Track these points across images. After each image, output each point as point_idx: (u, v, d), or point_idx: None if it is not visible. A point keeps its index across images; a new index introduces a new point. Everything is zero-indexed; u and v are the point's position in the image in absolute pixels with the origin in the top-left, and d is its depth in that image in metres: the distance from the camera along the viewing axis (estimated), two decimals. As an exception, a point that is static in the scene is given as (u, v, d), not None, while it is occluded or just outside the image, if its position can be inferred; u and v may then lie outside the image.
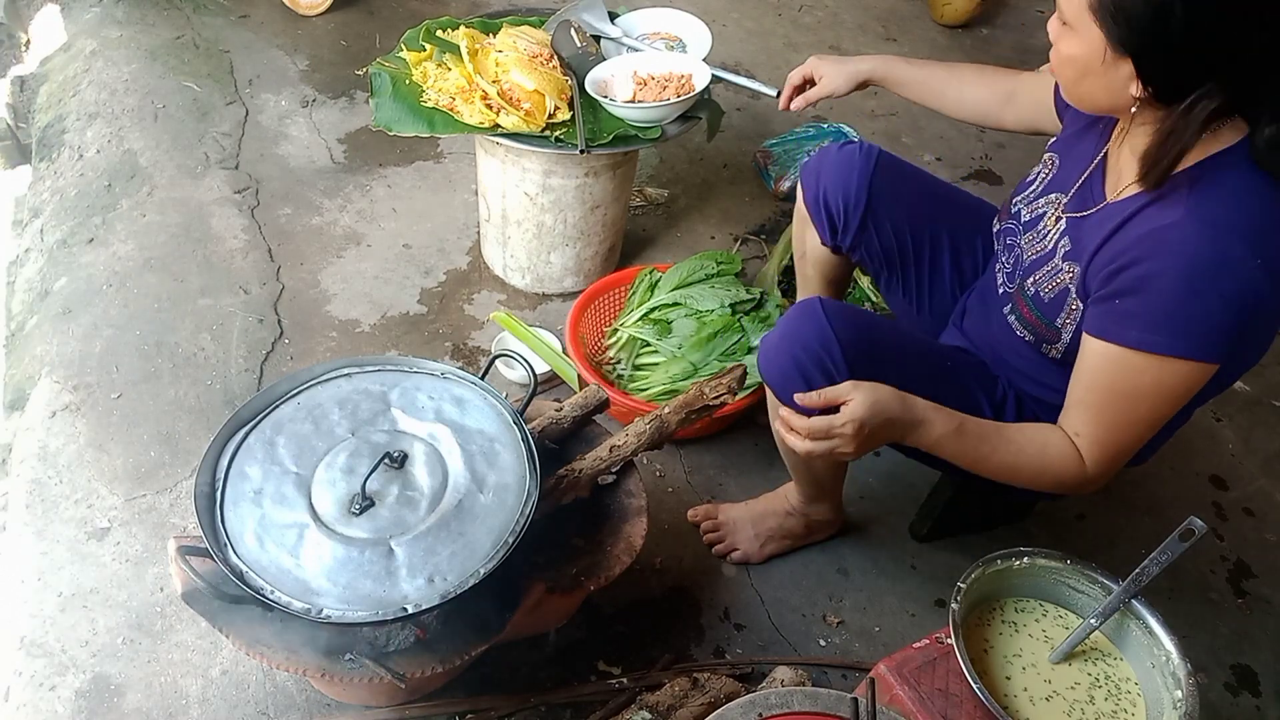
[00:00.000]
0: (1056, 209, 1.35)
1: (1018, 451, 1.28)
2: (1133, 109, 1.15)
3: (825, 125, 2.79)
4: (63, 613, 1.56)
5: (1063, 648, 1.25)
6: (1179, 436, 2.14)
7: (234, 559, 1.19)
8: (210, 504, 1.24)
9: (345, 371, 1.42)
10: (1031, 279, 1.36)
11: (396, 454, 1.29)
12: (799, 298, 1.83)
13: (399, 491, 1.27)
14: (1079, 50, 1.14)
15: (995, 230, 1.51)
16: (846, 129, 2.75)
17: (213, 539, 1.20)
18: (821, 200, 1.62)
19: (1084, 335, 1.24)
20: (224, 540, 1.21)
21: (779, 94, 1.78)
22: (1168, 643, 1.21)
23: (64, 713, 1.45)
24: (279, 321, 2.13)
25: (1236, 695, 1.69)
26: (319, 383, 1.39)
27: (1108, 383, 1.21)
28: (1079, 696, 1.23)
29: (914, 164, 1.68)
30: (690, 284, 2.02)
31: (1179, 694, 1.18)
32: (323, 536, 1.21)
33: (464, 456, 1.32)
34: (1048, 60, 1.24)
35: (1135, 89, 1.12)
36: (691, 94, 1.92)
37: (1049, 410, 1.38)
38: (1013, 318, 1.42)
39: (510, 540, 1.24)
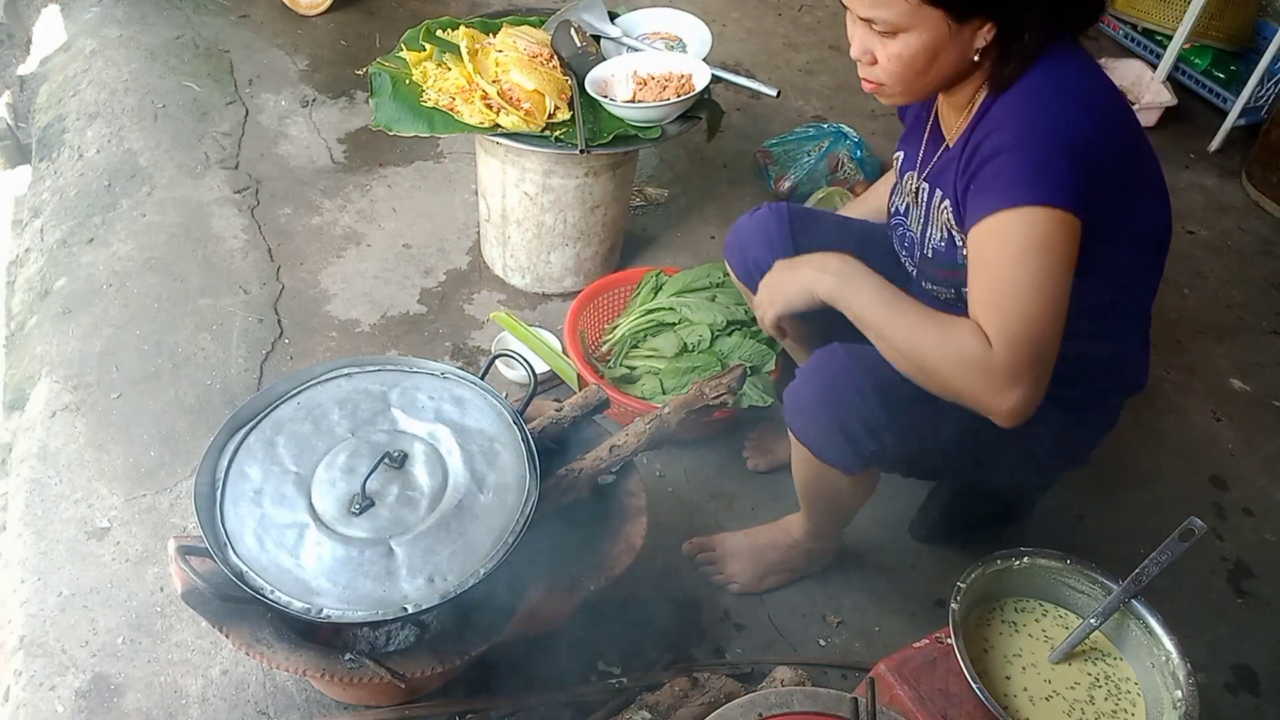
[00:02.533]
0: (917, 179, 1.44)
1: (926, 316, 1.25)
2: (975, 58, 1.23)
3: (825, 125, 2.79)
4: (63, 613, 1.56)
5: (1063, 648, 1.25)
6: (1179, 436, 2.16)
7: (234, 559, 1.19)
8: (210, 504, 1.24)
9: (345, 371, 1.41)
10: (924, 243, 1.42)
11: (396, 454, 1.29)
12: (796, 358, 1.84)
13: (399, 491, 1.27)
14: (922, 41, 1.20)
15: (891, 239, 1.56)
16: (846, 129, 2.75)
17: (212, 539, 1.20)
18: (755, 270, 1.59)
19: (966, 236, 1.26)
20: (224, 540, 1.20)
21: (779, 94, 1.77)
22: (1168, 643, 1.21)
23: (64, 713, 1.45)
24: (279, 321, 2.13)
25: (1236, 695, 1.69)
26: (319, 383, 1.39)
27: (989, 257, 1.21)
28: (1079, 696, 1.23)
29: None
30: (693, 291, 2.02)
31: (1179, 694, 1.18)
32: (323, 536, 1.21)
33: (464, 456, 1.31)
34: None
35: (983, 36, 1.20)
36: (691, 94, 1.92)
37: None
38: (930, 285, 1.43)
39: (510, 540, 1.24)
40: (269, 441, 1.31)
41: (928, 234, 1.41)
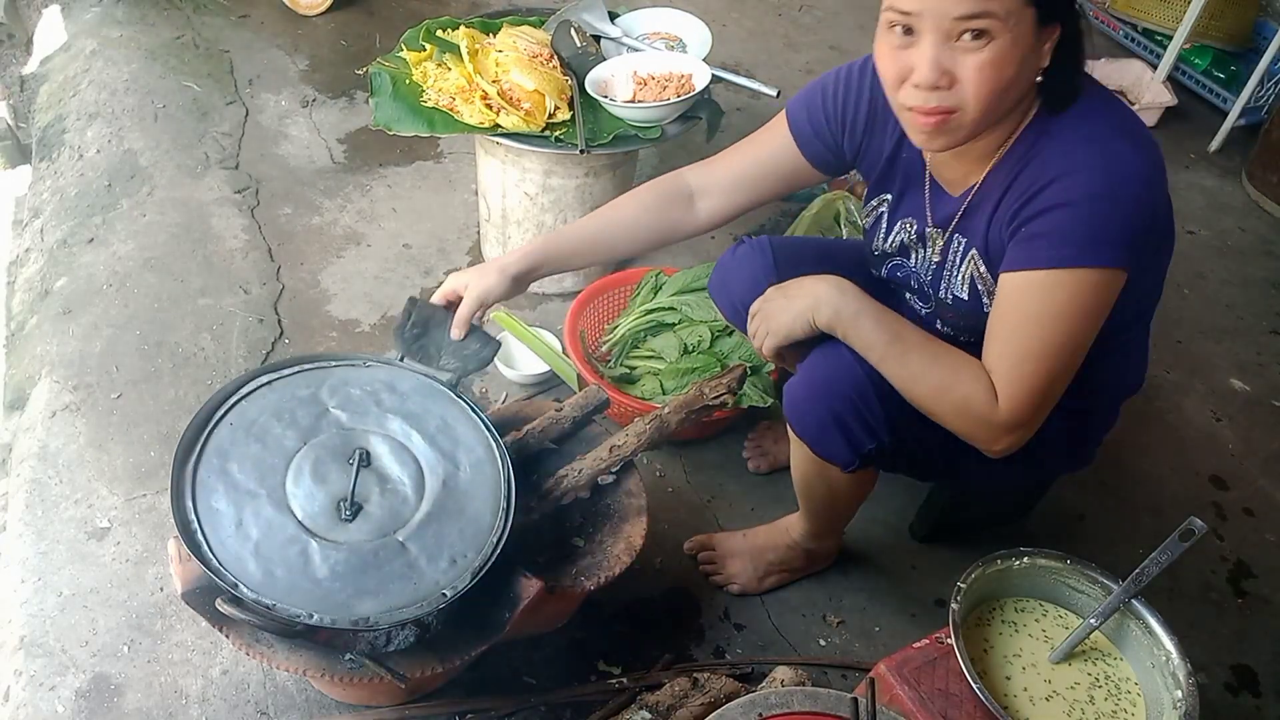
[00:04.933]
0: (921, 225, 1.38)
1: (931, 357, 1.24)
2: (1038, 79, 1.16)
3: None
4: (63, 613, 1.56)
5: (1063, 648, 1.25)
6: (1179, 436, 2.16)
7: (254, 595, 1.15)
8: (201, 550, 1.18)
9: (264, 381, 1.35)
10: (941, 289, 1.38)
11: (360, 453, 1.28)
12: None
13: (379, 487, 1.26)
14: (1014, 47, 1.09)
15: (878, 276, 1.52)
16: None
17: (226, 583, 1.15)
18: (742, 308, 1.53)
19: (1000, 279, 1.22)
20: (233, 581, 1.15)
21: (779, 94, 1.76)
22: (1168, 643, 1.21)
23: (64, 713, 1.45)
24: (279, 321, 2.13)
25: (1236, 695, 1.69)
26: (243, 399, 1.32)
27: (1023, 311, 1.18)
28: (1079, 696, 1.23)
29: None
30: (692, 290, 2.02)
31: (1179, 694, 1.18)
32: (328, 549, 1.19)
33: (424, 438, 1.32)
34: None
35: (1047, 54, 1.14)
36: (691, 94, 1.92)
37: None
38: (947, 329, 1.41)
39: (506, 505, 1.26)
40: (221, 471, 1.24)
41: (945, 281, 1.37)
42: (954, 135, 1.17)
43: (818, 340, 1.36)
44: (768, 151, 1.49)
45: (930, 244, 1.38)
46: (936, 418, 1.26)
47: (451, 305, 1.44)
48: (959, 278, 1.34)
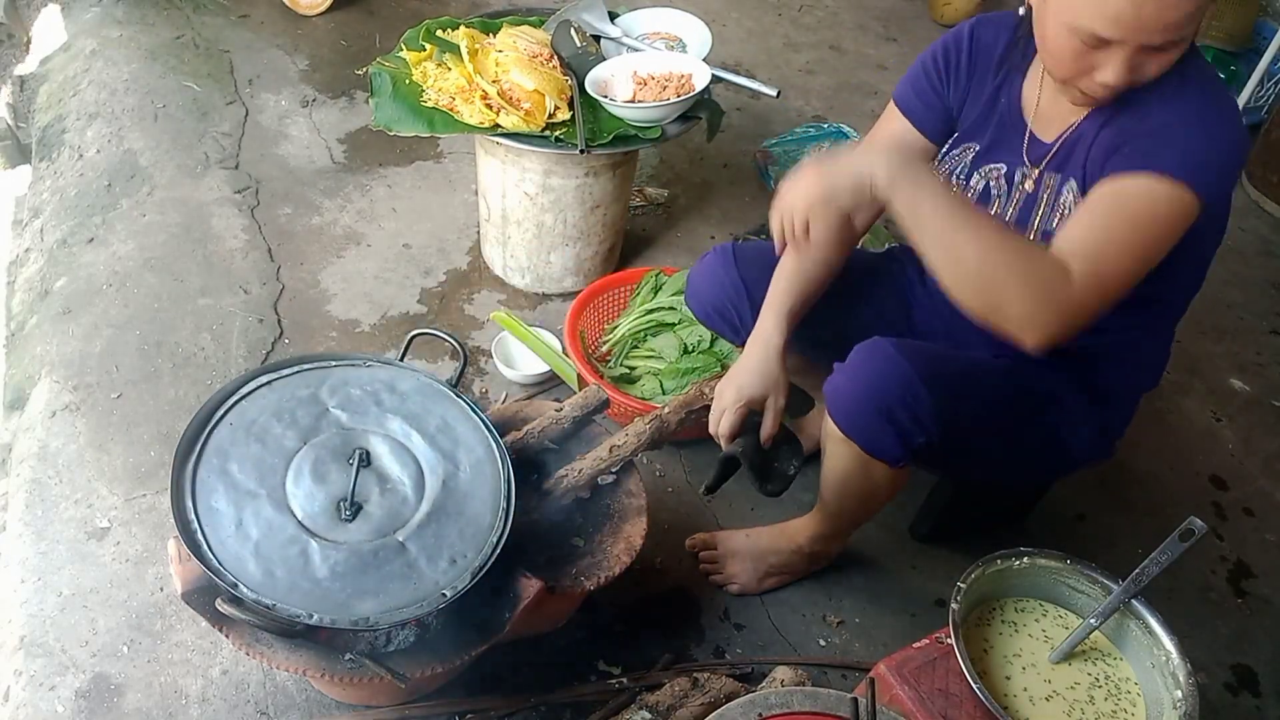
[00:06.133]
0: (1012, 169, 1.40)
1: (1004, 230, 1.21)
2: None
3: (825, 125, 2.79)
4: (63, 613, 1.56)
5: (1063, 648, 1.25)
6: (1179, 436, 2.16)
7: (254, 595, 1.14)
8: (201, 550, 1.17)
9: (264, 380, 1.35)
10: (1029, 228, 1.38)
11: (360, 453, 1.28)
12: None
13: (379, 487, 1.26)
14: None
15: None
16: (846, 129, 2.75)
17: (225, 584, 1.15)
18: (712, 311, 1.67)
19: (1093, 188, 1.23)
20: (233, 581, 1.15)
21: (779, 94, 1.76)
22: (1168, 643, 1.21)
23: (64, 713, 1.45)
24: (279, 321, 2.13)
25: (1236, 695, 1.69)
26: (243, 399, 1.32)
27: (1110, 209, 1.19)
28: (1079, 696, 1.23)
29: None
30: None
31: (1179, 694, 1.18)
32: (328, 550, 1.19)
33: (425, 439, 1.32)
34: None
35: None
36: (691, 94, 1.92)
37: None
38: None
39: (505, 505, 1.27)
40: (221, 471, 1.24)
41: (1037, 216, 1.37)
42: (1109, 101, 1.24)
43: (825, 347, 1.37)
44: (891, 143, 1.53)
45: (1021, 184, 1.39)
46: (994, 295, 1.16)
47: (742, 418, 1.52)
48: (1054, 211, 1.35)
